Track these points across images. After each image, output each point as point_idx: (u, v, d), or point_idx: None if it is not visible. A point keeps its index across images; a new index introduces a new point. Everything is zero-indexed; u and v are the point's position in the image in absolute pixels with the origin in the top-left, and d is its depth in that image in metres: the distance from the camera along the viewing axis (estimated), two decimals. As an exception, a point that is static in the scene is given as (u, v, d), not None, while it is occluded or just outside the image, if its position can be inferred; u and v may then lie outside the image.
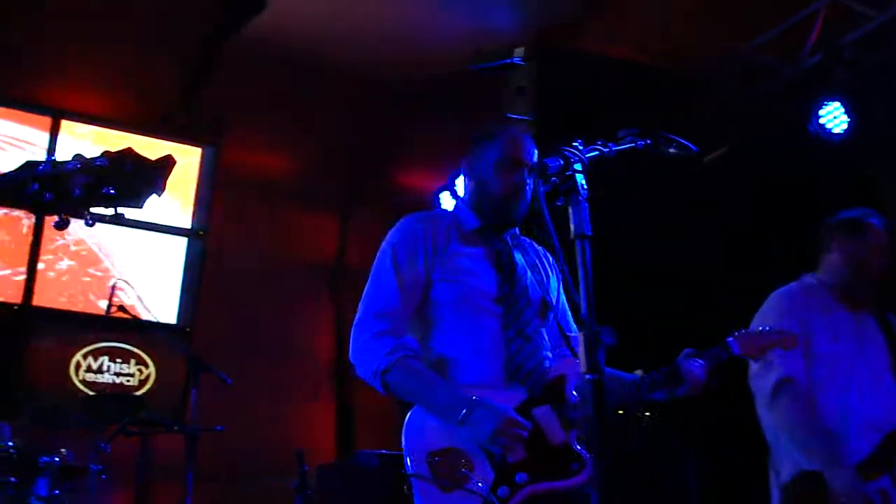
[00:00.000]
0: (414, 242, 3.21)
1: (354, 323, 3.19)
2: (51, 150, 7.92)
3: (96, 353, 7.89)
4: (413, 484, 2.93)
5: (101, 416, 6.50)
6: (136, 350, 8.01)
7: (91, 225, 2.12)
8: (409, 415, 3.05)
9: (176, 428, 6.22)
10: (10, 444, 5.31)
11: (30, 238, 7.69)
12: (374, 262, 3.26)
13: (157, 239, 8.19)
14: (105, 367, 7.89)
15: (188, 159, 8.38)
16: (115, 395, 7.70)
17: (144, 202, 2.16)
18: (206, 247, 8.29)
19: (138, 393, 7.91)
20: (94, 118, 8.22)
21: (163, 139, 8.35)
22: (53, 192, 2.08)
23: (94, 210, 2.12)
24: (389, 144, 9.12)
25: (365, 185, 9.33)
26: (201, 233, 8.27)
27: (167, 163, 2.18)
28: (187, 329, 8.16)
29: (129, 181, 2.11)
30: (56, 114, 8.02)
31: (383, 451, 6.02)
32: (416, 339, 3.17)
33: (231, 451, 7.47)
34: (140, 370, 7.99)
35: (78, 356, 7.80)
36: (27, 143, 7.93)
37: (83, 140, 8.12)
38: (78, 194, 2.08)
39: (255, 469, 7.74)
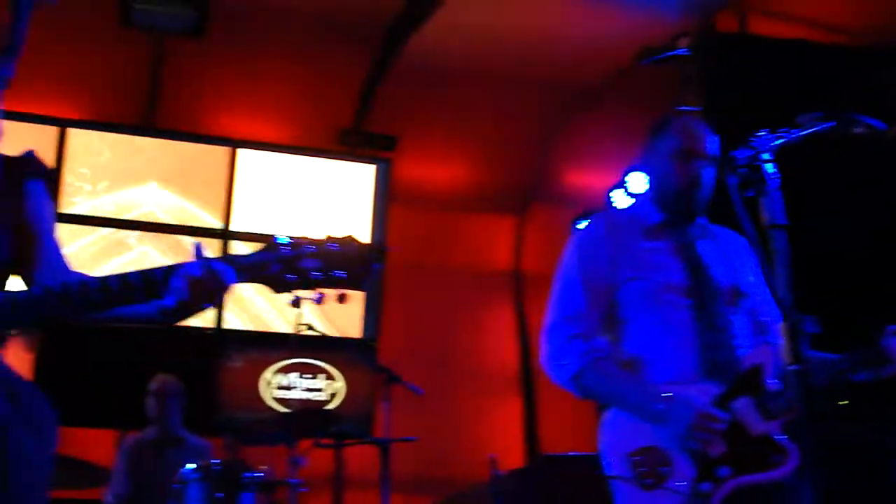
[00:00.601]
0: (599, 243, 3.19)
1: (545, 328, 3.18)
2: (230, 179, 8.22)
3: (285, 370, 8.12)
4: (613, 486, 2.91)
5: (294, 431, 6.68)
6: (323, 365, 8.21)
7: (320, 303, 2.30)
8: (604, 416, 3.03)
9: (368, 439, 6.33)
10: (215, 461, 5.53)
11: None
12: (561, 265, 3.24)
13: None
14: (295, 384, 8.11)
15: (362, 176, 8.56)
16: (307, 409, 7.90)
17: (365, 285, 2.28)
18: (384, 261, 8.42)
19: (328, 407, 8.09)
20: (270, 145, 8.50)
21: (336, 159, 8.57)
22: (295, 273, 2.23)
23: (323, 290, 2.27)
24: (560, 145, 9.09)
25: (538, 188, 9.32)
26: (380, 248, 8.40)
27: (382, 249, 2.36)
28: (372, 342, 8.31)
29: (354, 265, 2.24)
30: (233, 144, 8.33)
31: (572, 454, 5.99)
32: (608, 341, 3.14)
33: (422, 460, 7.58)
34: (329, 384, 8.18)
35: (268, 374, 8.05)
36: (204, 172, 8.25)
37: (260, 167, 8.40)
38: (315, 277, 2.24)
39: (448, 476, 7.83)
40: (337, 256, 2.24)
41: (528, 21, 7.62)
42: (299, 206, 8.43)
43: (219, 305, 7.61)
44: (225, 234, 8.17)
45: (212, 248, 8.01)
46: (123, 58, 7.98)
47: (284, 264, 2.24)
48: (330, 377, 8.22)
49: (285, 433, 6.51)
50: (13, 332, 2.30)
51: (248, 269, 2.24)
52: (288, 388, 8.09)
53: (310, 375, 8.18)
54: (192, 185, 8.13)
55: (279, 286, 2.26)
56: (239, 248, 8.17)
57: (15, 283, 2.39)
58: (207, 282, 2.19)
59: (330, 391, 8.16)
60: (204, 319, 7.74)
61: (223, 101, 8.54)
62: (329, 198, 8.53)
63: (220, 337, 8.06)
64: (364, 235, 8.41)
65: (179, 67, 8.19)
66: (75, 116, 7.99)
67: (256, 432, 7.53)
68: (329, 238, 2.27)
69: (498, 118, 8.83)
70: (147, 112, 8.35)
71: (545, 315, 3.20)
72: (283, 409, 7.94)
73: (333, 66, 8.43)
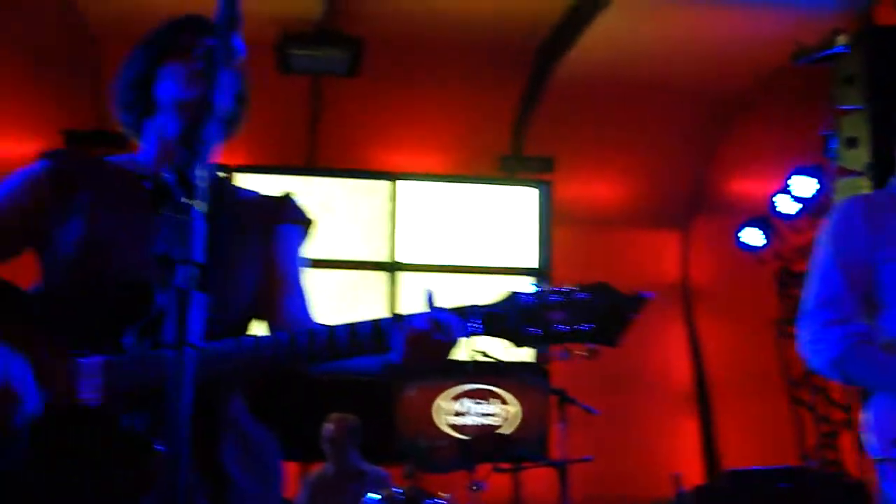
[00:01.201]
0: (854, 222, 3.07)
1: (801, 315, 3.08)
2: (392, 212, 8.39)
3: (459, 397, 8.20)
4: (881, 470, 2.82)
5: (471, 456, 6.74)
6: (496, 390, 8.26)
7: (567, 359, 2.11)
8: (869, 401, 2.94)
9: (545, 462, 6.34)
10: (398, 490, 5.62)
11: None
12: (814, 251, 3.15)
13: (502, 281, 8.43)
14: (469, 409, 8.18)
15: (523, 200, 8.62)
16: (483, 435, 7.95)
17: (617, 340, 2.11)
18: (640, 312, 8.39)
19: (503, 431, 8.13)
20: (429, 176, 8.65)
21: (496, 185, 8.66)
22: (538, 326, 2.06)
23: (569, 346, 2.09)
24: (719, 153, 8.95)
25: (700, 198, 9.19)
26: (546, 271, 8.44)
27: (640, 299, 2.13)
28: (544, 365, 8.32)
29: (606, 317, 2.07)
30: (393, 177, 8.51)
31: (757, 468, 5.88)
32: (867, 325, 3.03)
33: (600, 480, 7.53)
34: (503, 409, 8.22)
35: (441, 401, 8.14)
36: (366, 207, 8.43)
37: (419, 198, 8.54)
38: (560, 330, 2.05)
39: (626, 495, 7.76)
40: (586, 307, 2.06)
41: (676, 30, 7.55)
42: (463, 235, 8.53)
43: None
44: (392, 267, 8.34)
45: (380, 281, 8.25)
46: (283, 102, 8.25)
47: (526, 316, 2.06)
48: (503, 401, 8.26)
49: (464, 459, 6.58)
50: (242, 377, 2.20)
51: (485, 321, 2.08)
52: (462, 413, 8.17)
53: (483, 401, 8.24)
54: (356, 220, 8.33)
55: (520, 340, 2.07)
56: (407, 279, 8.33)
57: (258, 328, 2.37)
58: (435, 337, 2.03)
59: (504, 415, 8.20)
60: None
61: (381, 135, 8.75)
62: (492, 224, 8.60)
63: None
64: (531, 259, 8.49)
65: (337, 107, 8.42)
66: (241, 162, 8.31)
67: (434, 459, 7.63)
68: (578, 286, 2.08)
69: (654, 130, 8.76)
70: (308, 152, 8.62)
71: (799, 301, 3.11)
72: (459, 436, 8.01)
73: (487, 92, 8.53)
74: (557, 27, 8.01)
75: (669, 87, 8.31)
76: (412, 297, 8.23)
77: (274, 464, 2.35)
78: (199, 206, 1.62)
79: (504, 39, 8.10)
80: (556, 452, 6.83)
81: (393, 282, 8.25)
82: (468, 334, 2.07)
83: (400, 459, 7.44)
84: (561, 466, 6.05)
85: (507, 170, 8.81)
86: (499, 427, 8.15)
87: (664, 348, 9.04)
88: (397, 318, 2.08)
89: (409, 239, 8.46)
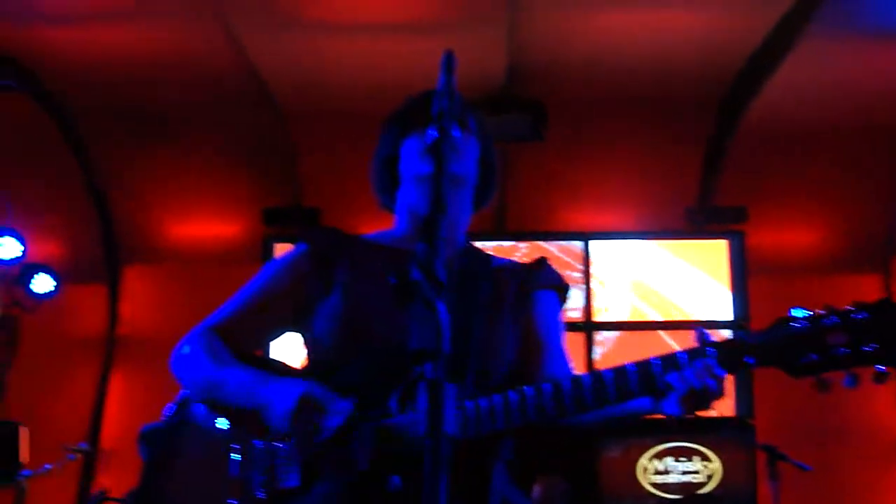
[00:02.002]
0: None
1: None
2: (585, 272, 8.38)
3: (661, 455, 8.07)
4: None
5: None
6: (698, 447, 8.08)
7: (853, 387, 1.97)
8: None
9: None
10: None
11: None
12: None
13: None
14: (671, 468, 8.03)
15: (714, 252, 8.49)
16: (685, 495, 7.80)
17: None
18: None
19: (706, 490, 7.95)
20: (620, 234, 8.62)
21: (687, 238, 8.57)
22: (816, 352, 1.98)
23: (853, 369, 1.96)
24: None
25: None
26: (743, 322, 8.26)
27: None
28: (748, 419, 8.11)
29: (891, 335, 1.93)
30: (584, 237, 8.51)
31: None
32: None
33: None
34: (705, 466, 8.04)
35: (644, 460, 8.02)
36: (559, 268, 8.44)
37: (612, 257, 8.51)
38: (842, 354, 1.96)
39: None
40: (869, 326, 1.93)
41: (865, 67, 7.35)
42: (656, 289, 8.45)
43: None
44: (588, 326, 8.31)
45: (577, 342, 8.23)
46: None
47: (802, 343, 1.98)
48: (705, 458, 8.07)
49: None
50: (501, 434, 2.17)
51: (758, 351, 2.01)
52: (664, 472, 8.03)
53: (685, 458, 8.08)
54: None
55: (797, 370, 2.00)
56: (601, 338, 8.29)
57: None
58: (708, 382, 1.99)
59: (706, 473, 8.02)
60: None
61: (569, 195, 8.78)
62: (684, 277, 8.49)
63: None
64: (725, 311, 8.33)
65: (523, 170, 8.52)
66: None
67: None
68: (856, 304, 1.97)
69: (848, 172, 8.50)
70: (498, 217, 8.72)
71: None
72: (663, 495, 7.88)
73: (673, 145, 8.47)
74: (740, 75, 7.91)
75: (861, 126, 8.10)
76: (608, 356, 8.21)
77: None
78: (445, 297, 1.64)
79: (686, 91, 8.05)
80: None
81: (589, 342, 8.22)
82: (735, 371, 2.01)
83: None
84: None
85: (696, 222, 8.70)
86: (701, 485, 7.97)
87: (871, 397, 8.66)
88: (669, 362, 2.04)
89: (604, 297, 8.42)
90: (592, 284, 8.43)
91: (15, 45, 7.31)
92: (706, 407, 2.02)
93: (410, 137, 2.42)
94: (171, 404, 2.40)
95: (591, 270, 8.48)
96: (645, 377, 2.04)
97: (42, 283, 7.94)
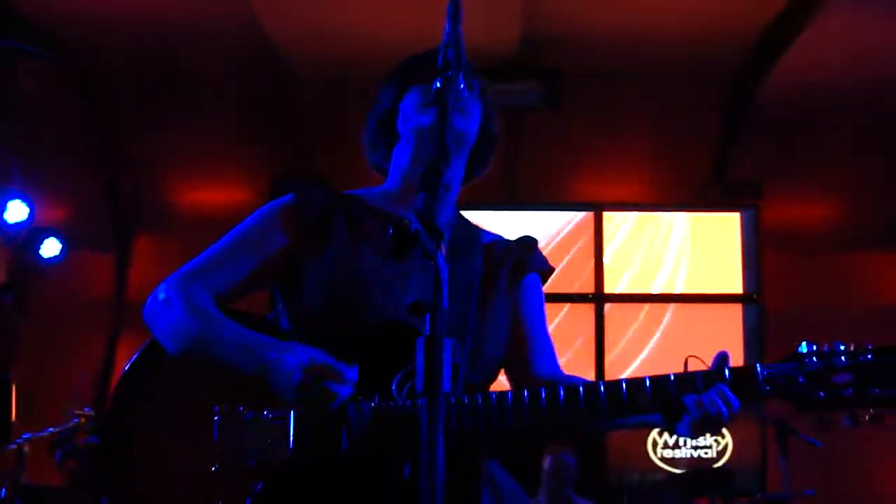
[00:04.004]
0: None
1: None
2: (597, 243, 8.30)
3: (672, 429, 8.01)
4: None
5: (687, 490, 6.60)
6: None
7: (854, 426, 2.03)
8: None
9: (764, 495, 6.13)
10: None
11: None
12: None
13: (710, 309, 8.23)
14: (682, 442, 7.99)
15: (727, 226, 8.41)
16: (697, 468, 7.77)
17: None
18: (763, 309, 8.17)
19: (718, 464, 7.91)
20: (633, 205, 8.53)
21: (701, 212, 8.48)
22: (823, 390, 2.01)
23: (857, 410, 2.02)
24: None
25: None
26: (756, 297, 8.19)
27: None
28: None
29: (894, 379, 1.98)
30: (597, 207, 8.42)
31: None
32: None
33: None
34: (717, 441, 7.99)
35: (653, 434, 7.98)
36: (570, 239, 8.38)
37: (623, 227, 8.43)
38: (846, 395, 2.00)
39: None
40: (876, 369, 1.98)
41: (885, 38, 7.24)
42: (668, 262, 8.37)
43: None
44: (598, 298, 8.23)
45: (587, 313, 8.16)
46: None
47: (811, 379, 2.02)
48: (717, 433, 8.03)
49: (680, 493, 6.45)
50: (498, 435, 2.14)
51: (771, 383, 2.04)
52: (675, 446, 7.99)
53: (697, 432, 8.02)
54: (560, 252, 8.28)
55: (804, 404, 2.03)
56: (613, 311, 8.22)
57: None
58: (721, 408, 2.00)
59: (718, 448, 7.98)
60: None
61: (583, 166, 8.71)
62: (696, 251, 8.41)
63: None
64: (736, 285, 8.25)
65: (536, 140, 8.44)
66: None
67: (649, 494, 7.49)
68: (863, 347, 2.01)
69: (865, 147, 8.41)
70: (510, 187, 8.65)
71: None
72: (671, 469, 7.84)
73: (688, 118, 8.39)
74: (757, 46, 7.81)
75: (877, 99, 7.98)
76: (618, 329, 8.16)
77: None
78: (444, 251, 1.60)
79: (703, 62, 7.95)
80: (775, 486, 6.60)
81: (600, 313, 8.15)
82: (747, 403, 2.02)
83: (610, 494, 7.35)
84: (781, 501, 5.84)
85: (711, 195, 8.62)
86: (713, 460, 7.93)
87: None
88: (684, 382, 2.04)
89: (615, 269, 8.35)
90: (605, 256, 8.35)
91: (32, 10, 7.27)
92: (714, 432, 2.04)
93: (411, 91, 2.34)
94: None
95: (604, 242, 8.39)
96: (660, 393, 2.04)
97: (50, 248, 7.90)
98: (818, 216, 8.77)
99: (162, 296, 2.26)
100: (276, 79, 8.06)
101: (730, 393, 2.01)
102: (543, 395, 2.06)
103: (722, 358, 2.06)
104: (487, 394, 2.08)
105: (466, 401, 2.05)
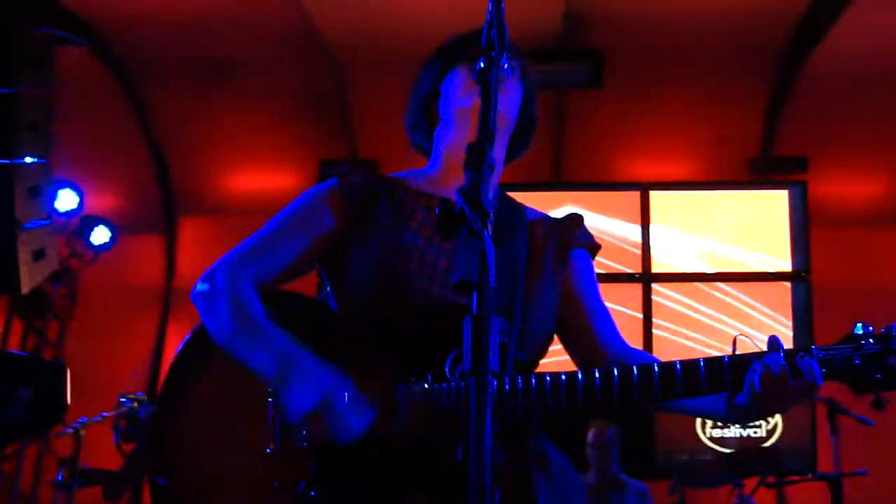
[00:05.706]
0: None
1: None
2: (644, 222, 8.25)
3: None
4: None
5: (737, 470, 6.57)
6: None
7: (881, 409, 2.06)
8: None
9: (815, 475, 6.08)
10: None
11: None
12: None
13: (759, 288, 8.16)
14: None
15: (775, 203, 8.33)
16: (747, 448, 7.73)
17: None
18: (811, 286, 8.10)
19: (767, 444, 7.86)
20: (680, 184, 8.47)
21: (748, 189, 8.41)
22: (881, 371, 2.03)
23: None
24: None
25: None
26: (804, 274, 8.11)
27: None
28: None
29: None
30: (643, 187, 8.37)
31: None
32: None
33: (875, 494, 7.15)
34: (766, 420, 7.95)
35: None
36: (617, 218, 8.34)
37: (670, 208, 8.37)
38: (879, 378, 2.03)
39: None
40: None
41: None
42: (716, 241, 8.30)
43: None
44: (646, 278, 8.18)
45: (634, 293, 8.12)
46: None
47: (868, 360, 2.02)
48: (768, 412, 7.97)
49: (729, 473, 6.41)
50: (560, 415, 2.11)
51: (828, 365, 2.03)
52: (724, 426, 7.95)
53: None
54: (607, 232, 8.24)
55: (861, 386, 2.04)
56: (660, 290, 8.17)
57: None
58: (790, 381, 1.99)
59: (768, 427, 7.93)
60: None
61: (628, 145, 8.67)
62: (744, 228, 8.33)
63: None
64: (784, 263, 8.17)
65: (581, 120, 8.40)
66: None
67: (698, 474, 7.46)
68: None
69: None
70: (555, 167, 8.63)
71: None
72: (721, 449, 7.81)
73: (734, 95, 8.31)
74: (803, 22, 7.71)
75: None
76: (667, 308, 8.11)
77: (579, 498, 2.35)
78: (489, 230, 1.59)
79: (748, 38, 7.86)
80: (825, 465, 6.54)
81: (647, 293, 8.11)
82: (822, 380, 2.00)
83: (659, 474, 7.33)
84: (832, 480, 5.79)
85: (757, 173, 8.54)
86: (762, 440, 7.88)
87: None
88: (740, 361, 2.04)
89: (662, 248, 8.29)
90: (652, 235, 8.29)
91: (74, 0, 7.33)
92: (786, 409, 2.05)
93: (453, 72, 2.34)
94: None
95: (651, 221, 8.33)
96: (715, 374, 2.03)
97: (100, 235, 8.00)
98: (865, 192, 8.67)
99: (208, 286, 2.27)
100: (323, 64, 8.08)
101: (802, 367, 2.00)
102: (635, 374, 2.06)
103: (773, 342, 2.05)
104: (575, 373, 2.08)
105: (536, 382, 2.05)
